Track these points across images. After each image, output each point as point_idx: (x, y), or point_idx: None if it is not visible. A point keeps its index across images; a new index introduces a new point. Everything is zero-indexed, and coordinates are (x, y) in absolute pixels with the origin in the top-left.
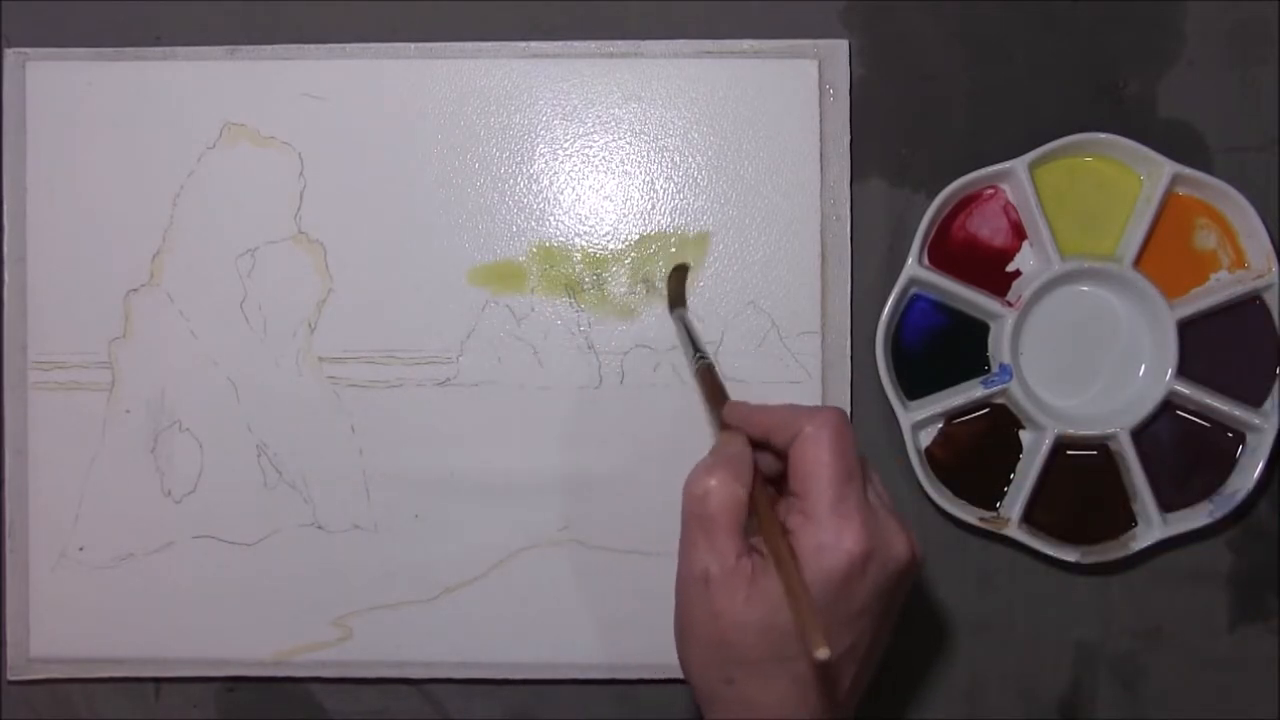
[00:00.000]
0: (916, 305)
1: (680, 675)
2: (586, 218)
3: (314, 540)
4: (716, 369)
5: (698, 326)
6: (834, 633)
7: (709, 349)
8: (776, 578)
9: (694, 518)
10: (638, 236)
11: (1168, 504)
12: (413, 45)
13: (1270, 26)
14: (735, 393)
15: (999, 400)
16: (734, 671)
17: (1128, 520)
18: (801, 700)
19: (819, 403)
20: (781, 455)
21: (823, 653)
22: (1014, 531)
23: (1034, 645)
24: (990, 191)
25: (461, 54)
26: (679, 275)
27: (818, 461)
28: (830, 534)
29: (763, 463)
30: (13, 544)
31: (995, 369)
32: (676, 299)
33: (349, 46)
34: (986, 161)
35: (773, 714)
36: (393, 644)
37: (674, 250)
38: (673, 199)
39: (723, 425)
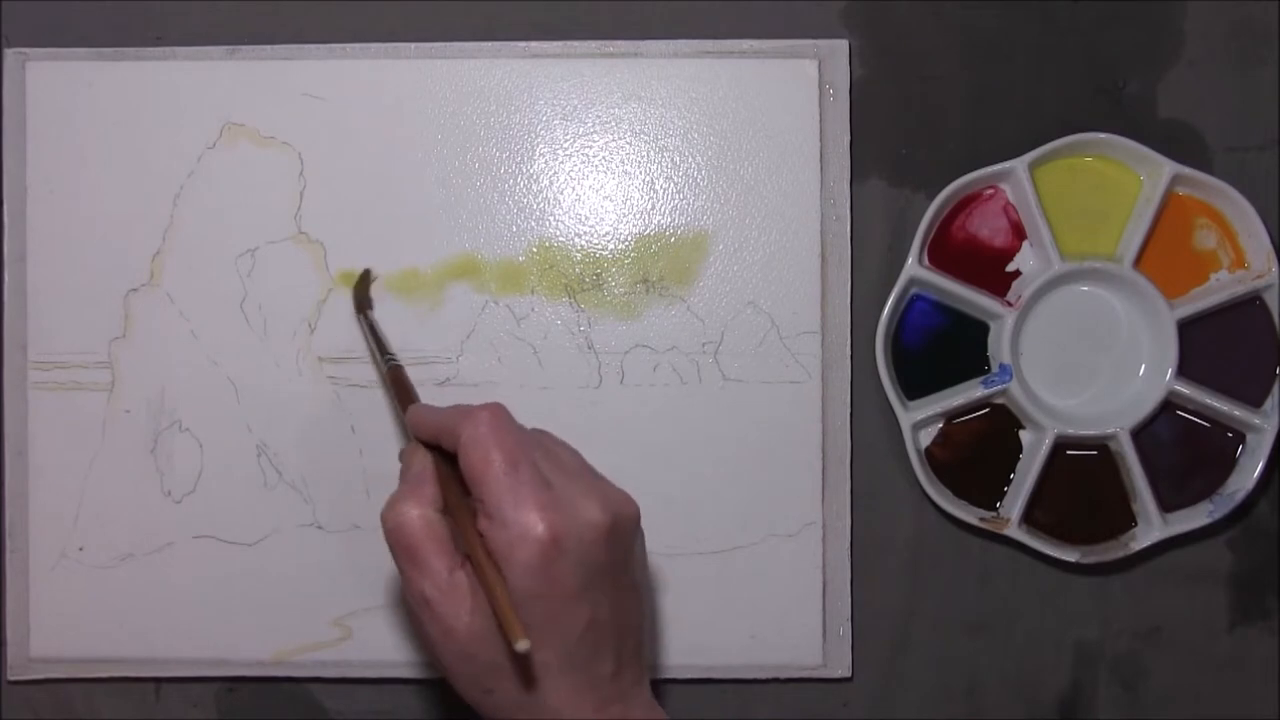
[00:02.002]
0: (916, 305)
1: (680, 675)
2: (586, 218)
3: (314, 540)
4: (405, 371)
5: (383, 328)
6: (557, 619)
7: (711, 348)
8: None
9: (398, 550)
10: (637, 236)
11: (1168, 504)
12: (413, 45)
13: (1270, 26)
14: (734, 392)
15: (999, 400)
16: (488, 680)
17: (1128, 520)
18: (569, 689)
19: (819, 403)
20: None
21: (522, 645)
22: (1014, 531)
23: (1034, 645)
24: (990, 191)
25: (461, 54)
26: (363, 280)
27: (482, 462)
28: (513, 528)
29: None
30: (13, 544)
31: (995, 369)
32: (363, 302)
33: (349, 46)
34: (986, 161)
35: (539, 708)
36: (393, 644)
37: (674, 250)
38: (673, 199)
39: (409, 432)
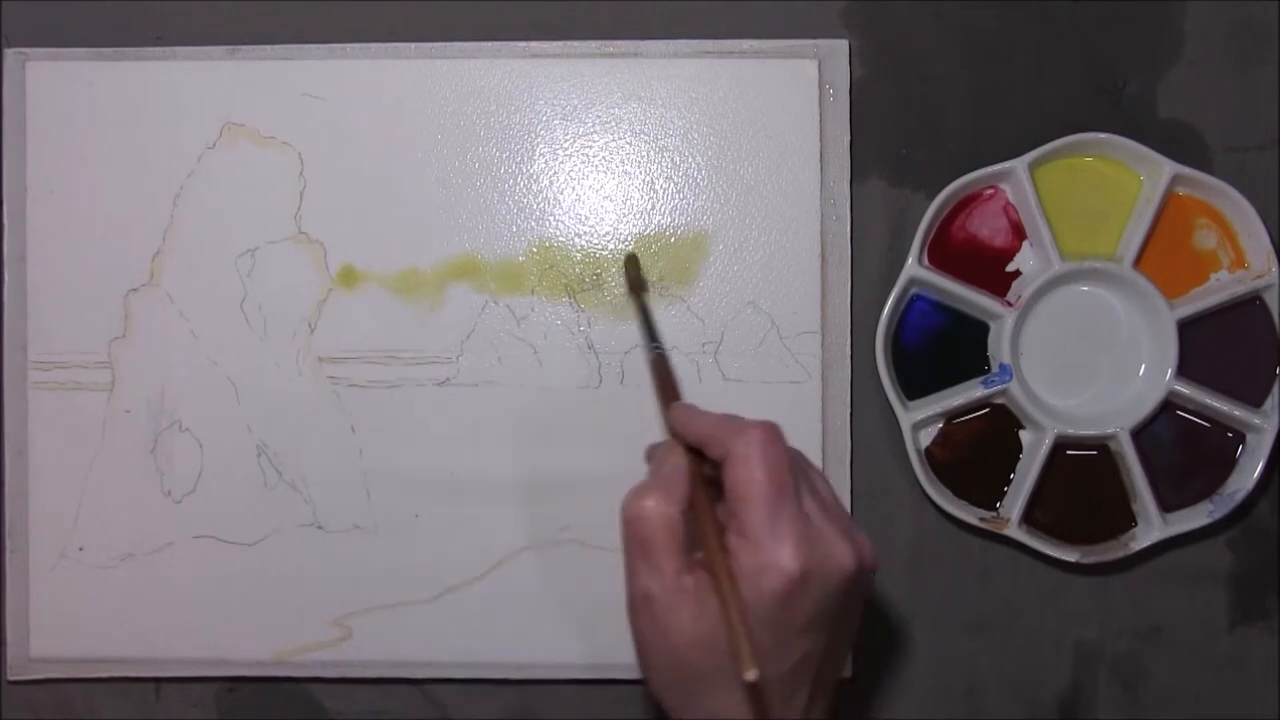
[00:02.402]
0: (916, 305)
1: None
2: (586, 218)
3: (314, 540)
4: (669, 361)
5: (656, 314)
6: (781, 649)
7: (711, 348)
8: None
9: (632, 541)
10: (637, 236)
11: (1168, 504)
12: (413, 45)
13: (1270, 26)
14: (734, 392)
15: (999, 400)
16: (690, 686)
17: (1128, 520)
18: (760, 711)
19: (819, 403)
20: (717, 467)
21: (751, 675)
22: (1014, 531)
23: (1034, 645)
24: (990, 191)
25: (461, 54)
26: (634, 261)
27: (748, 481)
28: (766, 555)
29: (710, 465)
30: (13, 544)
31: (995, 369)
32: (638, 284)
33: (349, 46)
34: (986, 161)
35: None
36: (393, 644)
37: (675, 250)
38: (673, 199)
39: (668, 425)
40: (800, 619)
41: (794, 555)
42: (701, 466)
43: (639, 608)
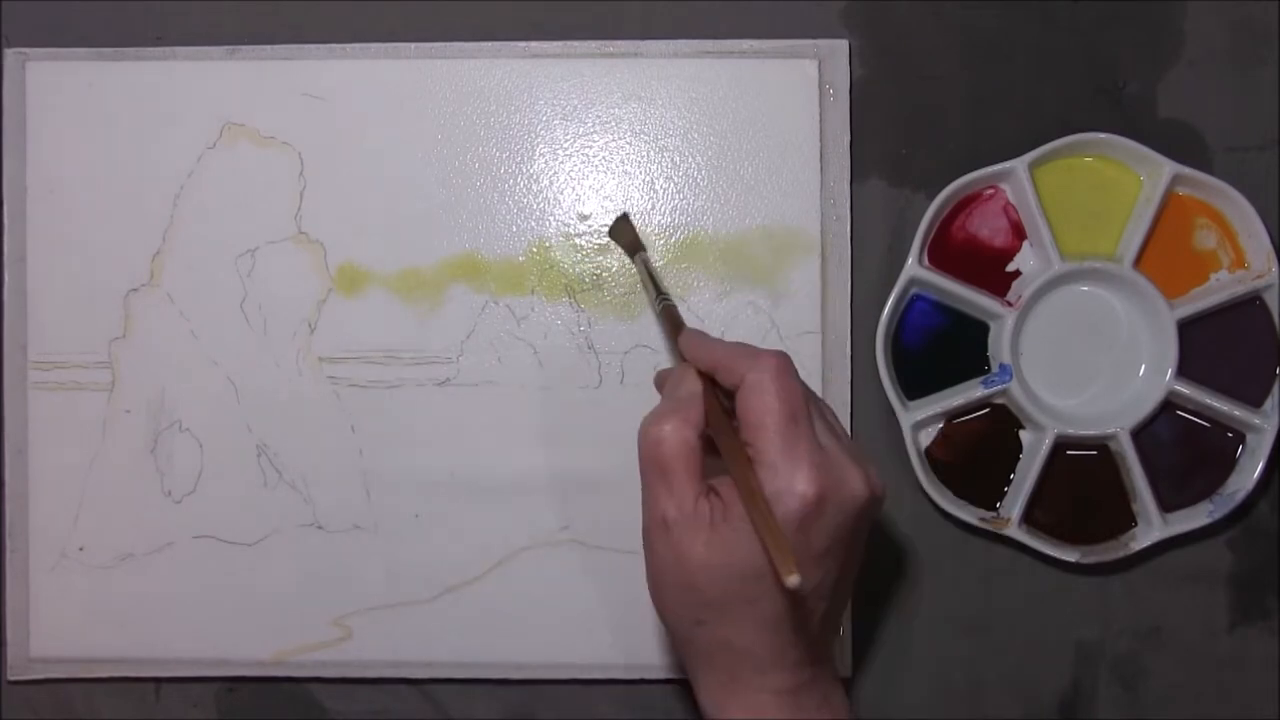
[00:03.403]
0: (916, 305)
1: (681, 675)
2: (586, 218)
3: (314, 540)
4: (677, 309)
5: (658, 269)
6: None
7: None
8: (735, 520)
9: (650, 464)
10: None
11: (1168, 504)
12: (413, 45)
13: (1270, 26)
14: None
15: (999, 400)
16: (702, 613)
17: (1128, 520)
18: (771, 638)
19: None
20: (729, 395)
21: (793, 580)
22: (1014, 531)
23: (1034, 645)
24: (990, 191)
25: (461, 54)
26: (626, 222)
27: (762, 409)
28: (782, 480)
29: (723, 392)
30: (13, 544)
31: (995, 369)
32: (634, 244)
33: (349, 46)
34: (986, 161)
35: (743, 653)
36: (393, 644)
37: (675, 250)
38: (673, 199)
39: (679, 356)
40: (816, 544)
41: (811, 480)
42: (716, 390)
43: (655, 532)
